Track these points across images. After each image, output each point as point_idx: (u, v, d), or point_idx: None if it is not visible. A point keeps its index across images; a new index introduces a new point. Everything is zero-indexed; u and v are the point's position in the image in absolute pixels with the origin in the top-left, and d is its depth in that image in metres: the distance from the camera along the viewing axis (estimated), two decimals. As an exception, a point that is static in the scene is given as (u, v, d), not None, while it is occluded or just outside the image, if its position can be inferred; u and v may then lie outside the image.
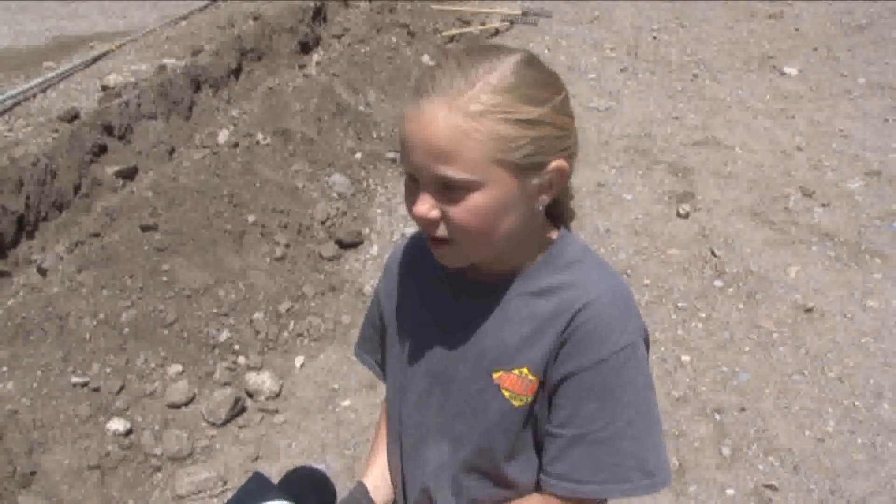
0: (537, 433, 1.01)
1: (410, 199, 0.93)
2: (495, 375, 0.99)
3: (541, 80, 0.91)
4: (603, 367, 0.93)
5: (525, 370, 0.98)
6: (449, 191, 0.89)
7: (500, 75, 0.88)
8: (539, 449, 1.02)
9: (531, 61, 0.91)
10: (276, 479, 1.12)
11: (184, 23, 5.38)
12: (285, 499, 1.05)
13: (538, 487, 1.04)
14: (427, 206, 0.90)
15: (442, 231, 0.92)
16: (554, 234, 1.02)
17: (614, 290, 0.98)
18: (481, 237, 0.91)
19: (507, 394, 0.99)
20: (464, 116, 0.85)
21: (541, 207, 0.95)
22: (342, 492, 1.18)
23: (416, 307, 1.11)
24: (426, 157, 0.87)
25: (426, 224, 0.92)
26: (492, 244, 0.93)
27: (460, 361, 1.03)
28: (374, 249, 3.71)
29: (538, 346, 0.97)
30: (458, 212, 0.89)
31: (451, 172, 0.87)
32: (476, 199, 0.88)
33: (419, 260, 1.11)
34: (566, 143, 0.93)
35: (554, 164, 0.92)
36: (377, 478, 1.20)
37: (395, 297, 1.15)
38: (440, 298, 1.07)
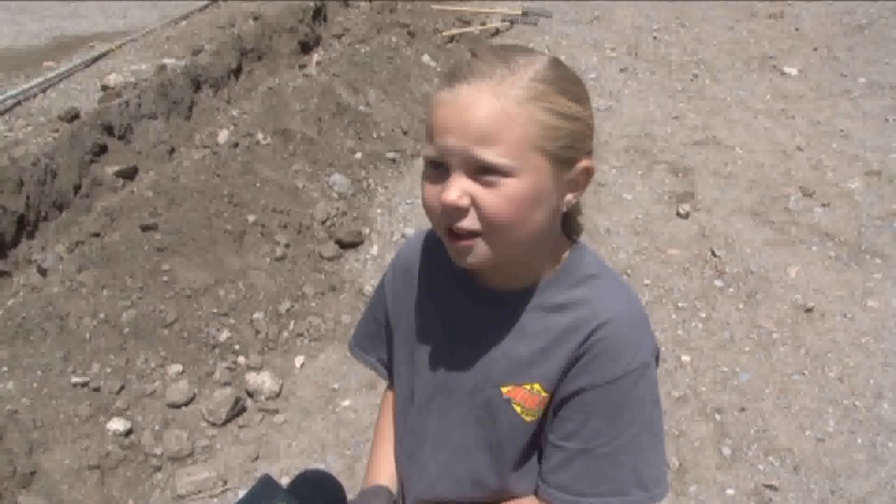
0: (541, 444, 1.01)
1: (434, 188, 0.89)
2: (504, 389, 0.98)
3: (574, 79, 0.92)
4: (614, 386, 0.93)
5: (537, 386, 0.96)
6: (484, 175, 0.86)
7: (538, 68, 0.88)
8: (541, 458, 1.02)
9: (560, 61, 0.92)
10: (282, 480, 1.12)
11: (184, 23, 5.38)
12: (293, 501, 1.05)
13: (533, 490, 1.03)
14: (457, 192, 0.86)
15: (470, 222, 0.88)
16: (567, 248, 1.01)
17: (631, 308, 0.97)
18: (511, 230, 0.88)
19: (518, 409, 0.98)
20: (507, 100, 0.84)
21: (565, 209, 0.94)
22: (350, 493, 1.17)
23: (424, 311, 1.09)
24: (464, 140, 0.84)
25: (453, 213, 0.88)
26: (518, 241, 0.90)
27: (466, 371, 1.01)
28: (374, 249, 3.71)
29: (552, 362, 0.95)
30: (493, 198, 0.86)
31: (491, 156, 0.84)
32: (512, 186, 0.85)
33: (430, 262, 1.09)
34: (591, 145, 0.93)
35: (583, 163, 0.91)
36: (389, 477, 1.17)
37: (403, 299, 1.12)
38: (450, 305, 1.04)
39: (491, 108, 0.84)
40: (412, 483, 1.11)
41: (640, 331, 0.96)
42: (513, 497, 1.04)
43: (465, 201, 0.87)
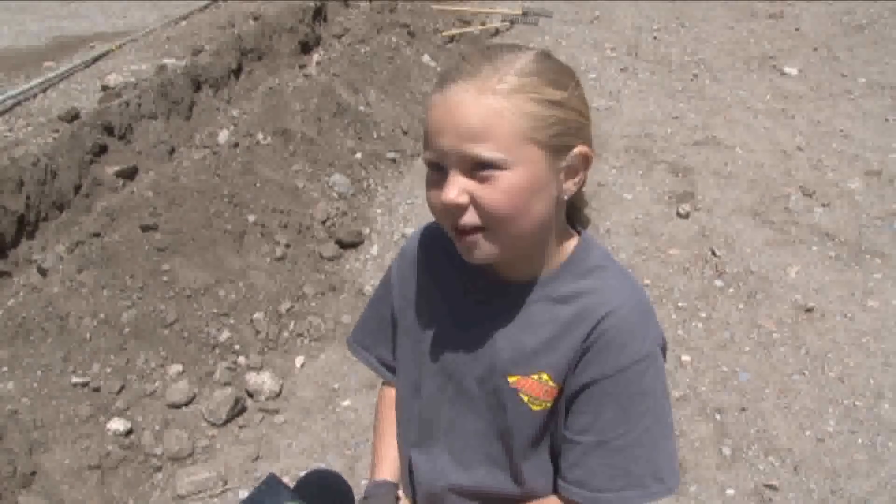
0: (553, 437, 1.01)
1: (435, 190, 0.91)
2: (511, 379, 0.99)
3: (560, 69, 0.93)
4: (624, 375, 0.94)
5: (545, 376, 0.97)
6: (480, 171, 0.87)
7: (523, 62, 0.89)
8: (553, 452, 1.02)
9: (548, 54, 0.94)
10: (283, 480, 1.11)
11: (184, 23, 5.37)
12: (299, 502, 1.05)
13: (551, 489, 1.04)
14: (456, 190, 0.88)
15: (471, 218, 0.90)
16: (574, 240, 1.02)
17: (637, 298, 0.98)
18: (513, 221, 0.90)
19: (525, 398, 0.99)
20: (494, 96, 0.86)
21: (566, 197, 0.95)
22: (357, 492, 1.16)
23: (432, 303, 1.10)
24: (456, 139, 0.87)
25: (454, 211, 0.90)
26: (521, 232, 0.92)
27: (474, 361, 1.03)
28: (375, 249, 3.71)
29: (559, 352, 0.96)
30: (490, 192, 0.88)
31: (484, 151, 0.86)
32: (508, 179, 0.87)
33: (437, 255, 1.10)
34: (586, 132, 0.94)
35: (578, 149, 0.92)
36: (392, 472, 1.18)
37: (410, 291, 1.14)
38: (458, 297, 1.06)
39: (478, 105, 0.86)
40: (423, 473, 1.12)
41: (646, 320, 0.97)
42: (525, 489, 1.05)
43: (463, 199, 0.89)
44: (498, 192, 0.87)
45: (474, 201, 0.89)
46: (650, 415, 0.95)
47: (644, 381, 0.95)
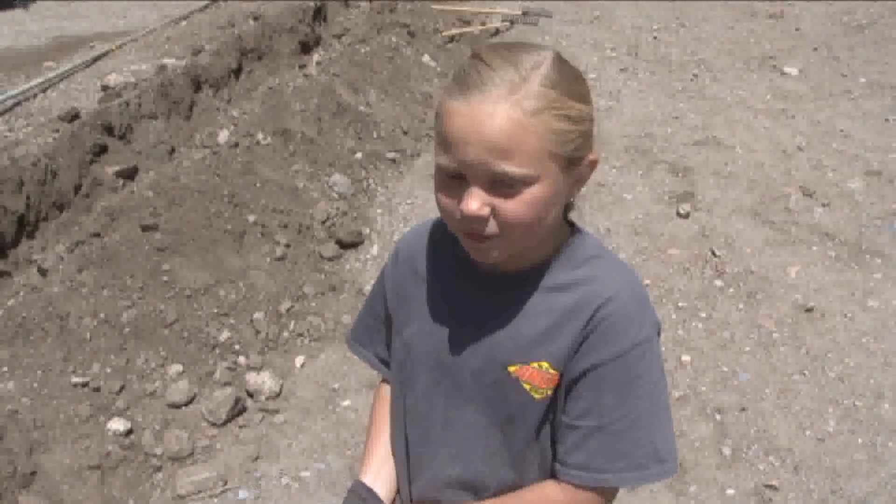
0: (553, 425, 1.02)
1: (452, 198, 0.92)
2: (511, 369, 1.00)
3: (577, 76, 0.94)
4: (623, 361, 0.96)
5: (545, 364, 0.99)
6: (504, 186, 0.88)
7: (546, 70, 0.89)
8: (552, 439, 1.03)
9: (560, 56, 0.94)
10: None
11: (184, 23, 5.37)
12: None
13: (550, 476, 1.04)
14: (478, 203, 0.89)
15: (490, 227, 0.91)
16: (567, 231, 1.04)
17: (633, 285, 1.01)
18: (530, 229, 0.92)
19: (527, 386, 1.00)
20: (522, 112, 0.86)
21: (572, 199, 0.99)
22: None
23: (427, 299, 1.11)
24: (482, 153, 0.86)
25: (475, 222, 0.91)
26: (534, 236, 0.95)
27: (471, 353, 1.04)
28: (375, 249, 3.71)
29: (559, 340, 0.98)
30: (514, 206, 0.89)
31: (511, 168, 0.87)
32: (532, 193, 0.89)
33: (434, 249, 1.12)
34: (593, 136, 0.96)
35: (590, 157, 0.95)
36: (378, 470, 1.19)
37: (404, 288, 1.14)
38: (455, 289, 1.07)
39: (507, 119, 0.86)
40: (422, 466, 1.12)
41: (643, 306, 1.00)
42: (525, 480, 1.05)
43: (486, 211, 0.90)
44: (521, 205, 0.89)
45: (495, 213, 0.90)
46: (649, 397, 0.97)
47: (642, 364, 0.97)
